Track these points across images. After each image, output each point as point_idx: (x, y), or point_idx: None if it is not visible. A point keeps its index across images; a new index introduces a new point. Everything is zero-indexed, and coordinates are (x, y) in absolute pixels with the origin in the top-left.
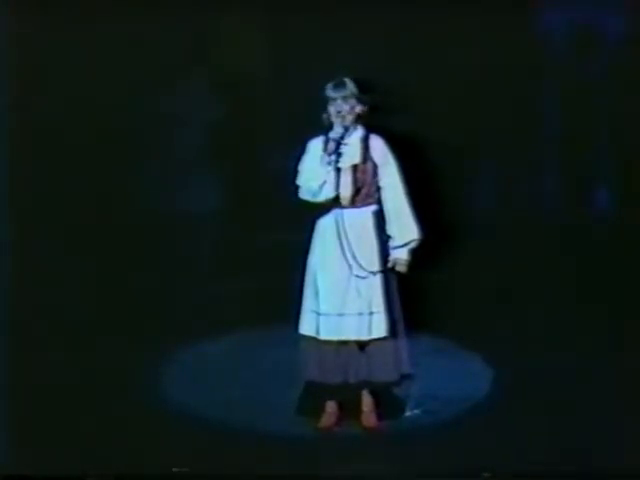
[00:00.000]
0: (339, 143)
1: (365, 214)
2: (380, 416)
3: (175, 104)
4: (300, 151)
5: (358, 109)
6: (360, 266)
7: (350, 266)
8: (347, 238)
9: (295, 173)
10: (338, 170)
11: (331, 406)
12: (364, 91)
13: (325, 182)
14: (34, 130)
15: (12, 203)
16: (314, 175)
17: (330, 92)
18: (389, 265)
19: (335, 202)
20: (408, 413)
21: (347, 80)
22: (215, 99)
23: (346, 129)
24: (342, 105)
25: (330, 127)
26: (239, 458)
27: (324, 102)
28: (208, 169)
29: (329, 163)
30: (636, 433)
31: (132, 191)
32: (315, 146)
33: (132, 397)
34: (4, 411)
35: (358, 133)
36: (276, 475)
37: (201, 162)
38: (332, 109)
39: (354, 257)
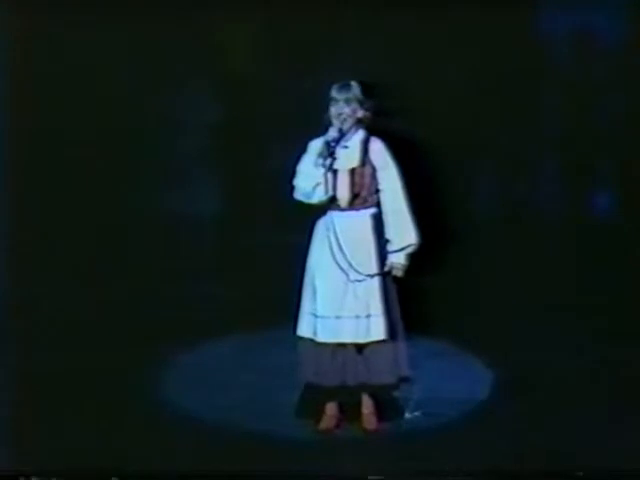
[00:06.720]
0: (335, 145)
1: (363, 217)
2: (380, 418)
3: (175, 105)
4: (300, 151)
5: (360, 113)
6: (355, 269)
7: (346, 269)
8: (343, 241)
9: (294, 174)
10: (335, 172)
11: (331, 408)
12: (368, 96)
13: (318, 184)
14: (34, 130)
15: (12, 203)
16: (308, 176)
17: (334, 93)
18: (386, 269)
19: (333, 204)
20: (408, 415)
21: (353, 83)
22: (215, 100)
23: (343, 132)
24: (343, 107)
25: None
26: (239, 460)
27: (327, 103)
28: (208, 170)
29: (322, 165)
30: (636, 433)
31: (133, 192)
32: (313, 147)
33: (132, 398)
34: (4, 411)
35: (359, 136)
36: (276, 477)
37: (201, 163)
38: (333, 110)
39: (349, 260)
